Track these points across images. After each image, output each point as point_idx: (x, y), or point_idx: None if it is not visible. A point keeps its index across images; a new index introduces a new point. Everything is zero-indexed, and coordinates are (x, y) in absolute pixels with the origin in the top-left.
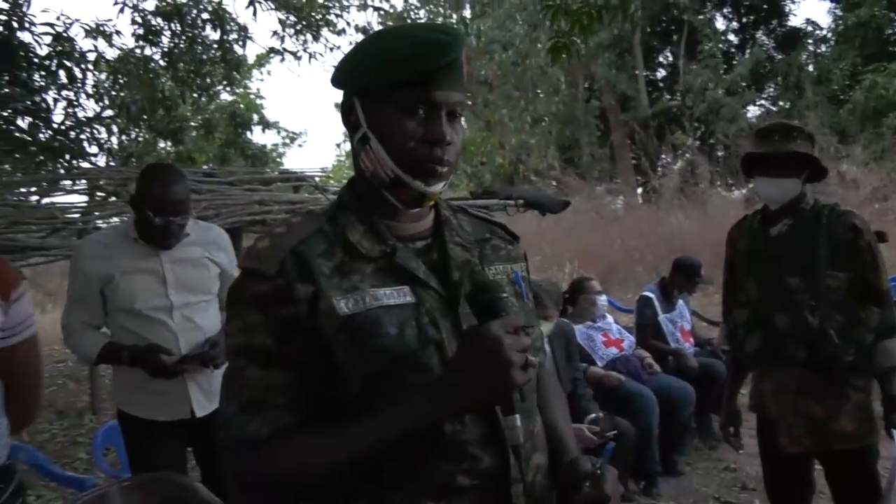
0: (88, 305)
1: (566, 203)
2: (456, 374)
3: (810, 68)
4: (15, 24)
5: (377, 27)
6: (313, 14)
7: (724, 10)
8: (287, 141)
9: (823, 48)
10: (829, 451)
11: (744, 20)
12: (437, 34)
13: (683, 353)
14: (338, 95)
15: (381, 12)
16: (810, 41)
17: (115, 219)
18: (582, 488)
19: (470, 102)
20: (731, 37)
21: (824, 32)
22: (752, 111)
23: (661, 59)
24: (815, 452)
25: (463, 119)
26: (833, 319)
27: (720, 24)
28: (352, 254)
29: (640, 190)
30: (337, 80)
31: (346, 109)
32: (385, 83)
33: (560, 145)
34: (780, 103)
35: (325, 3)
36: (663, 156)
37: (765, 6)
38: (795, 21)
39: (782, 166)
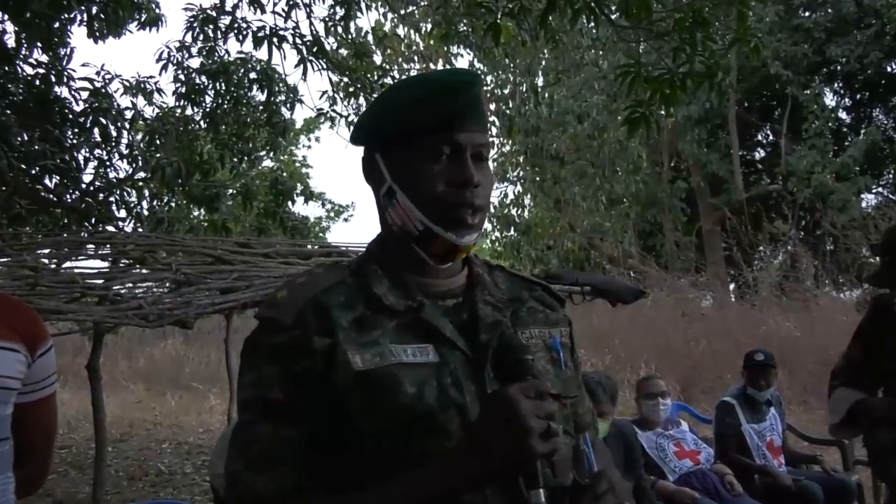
0: None
1: (641, 292)
2: (473, 440)
3: None
4: (53, 79)
5: None
6: (368, 76)
7: (835, 85)
8: (332, 214)
9: None
10: None
11: (857, 96)
12: (454, 76)
13: (772, 471)
14: None
15: None
16: None
17: (140, 286)
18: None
19: (538, 178)
20: (843, 114)
21: None
22: (868, 199)
23: (759, 137)
24: None
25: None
26: None
27: (830, 100)
28: (374, 307)
29: (731, 285)
30: (356, 138)
31: (367, 165)
32: (406, 131)
33: (640, 230)
34: None
35: (383, 66)
36: (760, 247)
37: (882, 81)
38: None
39: None
